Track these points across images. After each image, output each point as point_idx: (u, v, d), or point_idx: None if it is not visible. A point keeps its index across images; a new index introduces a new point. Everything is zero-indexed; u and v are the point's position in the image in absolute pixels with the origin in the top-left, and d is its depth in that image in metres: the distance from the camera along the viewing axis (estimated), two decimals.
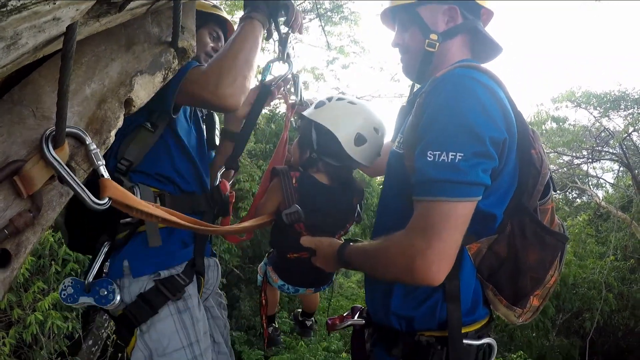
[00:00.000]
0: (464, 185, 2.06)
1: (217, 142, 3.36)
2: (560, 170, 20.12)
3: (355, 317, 2.85)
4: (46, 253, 7.29)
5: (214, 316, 3.24)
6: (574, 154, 19.45)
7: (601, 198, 19.54)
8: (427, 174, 2.09)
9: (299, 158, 3.13)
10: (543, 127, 19.75)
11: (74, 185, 1.69)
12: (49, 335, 7.35)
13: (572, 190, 21.38)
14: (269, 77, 3.39)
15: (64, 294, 2.61)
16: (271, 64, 3.44)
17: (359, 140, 2.91)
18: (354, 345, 2.82)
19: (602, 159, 19.40)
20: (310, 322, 3.92)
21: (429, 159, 2.07)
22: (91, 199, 1.78)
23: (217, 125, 3.42)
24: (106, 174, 1.86)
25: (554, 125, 19.49)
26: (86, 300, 2.57)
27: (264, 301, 3.55)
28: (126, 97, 1.88)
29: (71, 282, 2.62)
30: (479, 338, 2.38)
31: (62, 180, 1.69)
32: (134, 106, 1.91)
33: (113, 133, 1.85)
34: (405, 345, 2.39)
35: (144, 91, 1.96)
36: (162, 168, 2.79)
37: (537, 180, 2.28)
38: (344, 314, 2.93)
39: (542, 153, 2.30)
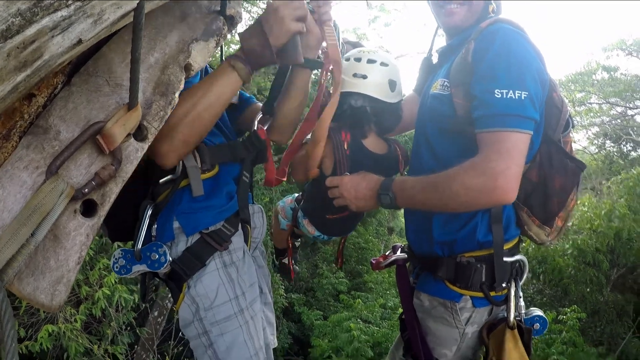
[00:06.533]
0: (528, 120, 2.41)
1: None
2: (613, 122, 19.58)
3: (398, 253, 3.15)
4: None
5: (260, 265, 3.20)
6: (627, 105, 18.84)
7: None
8: (498, 109, 2.40)
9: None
10: (593, 77, 19.26)
11: None
12: (117, 308, 7.64)
13: (626, 143, 20.47)
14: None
15: (117, 267, 2.57)
16: None
17: (392, 85, 3.13)
18: (399, 279, 3.11)
19: None
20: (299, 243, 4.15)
21: (497, 96, 2.39)
22: None
23: None
24: None
25: (605, 75, 19.03)
26: (139, 268, 2.54)
27: (290, 245, 3.88)
28: (185, 62, 2.12)
29: (121, 254, 2.57)
30: (512, 255, 2.74)
31: (138, 137, 1.96)
32: (193, 70, 2.16)
33: (177, 94, 2.10)
34: (448, 268, 2.72)
35: (200, 56, 2.19)
36: None
37: (560, 117, 2.66)
38: (386, 253, 3.23)
39: (562, 96, 2.71)
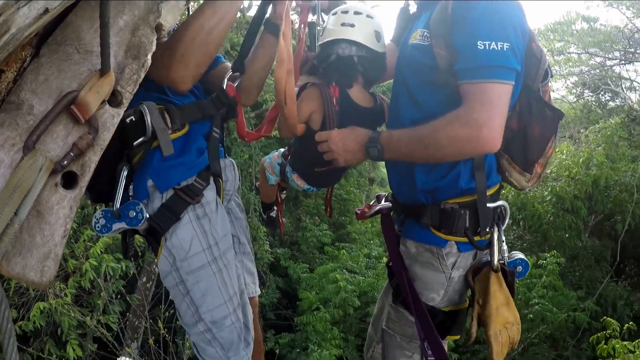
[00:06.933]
0: (510, 70, 2.47)
1: None
2: (592, 72, 19.53)
3: (382, 202, 3.24)
4: (88, 203, 7.50)
5: (236, 217, 3.36)
6: (606, 55, 18.81)
7: (634, 101, 19.14)
8: (481, 60, 2.44)
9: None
10: (573, 27, 19.18)
11: None
12: (105, 278, 7.64)
13: (604, 93, 20.71)
14: None
15: (98, 226, 2.68)
16: None
17: (378, 36, 3.15)
18: (385, 227, 3.21)
19: (636, 61, 18.62)
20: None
21: (480, 48, 2.42)
22: None
23: None
24: None
25: (585, 25, 18.94)
26: (119, 225, 2.65)
27: (280, 199, 3.97)
28: (156, 23, 2.06)
29: (102, 214, 2.69)
30: (494, 201, 2.83)
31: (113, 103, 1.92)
32: (164, 30, 2.10)
33: (149, 56, 2.06)
34: (433, 214, 2.79)
35: (170, 15, 2.13)
36: (152, 98, 2.75)
37: (539, 67, 2.70)
38: (371, 203, 3.32)
39: (540, 46, 2.75)
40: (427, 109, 2.71)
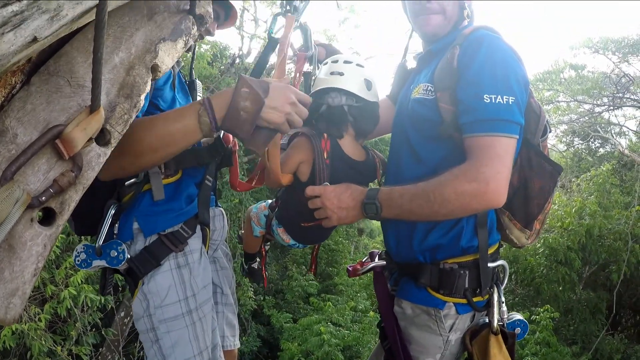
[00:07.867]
0: (515, 125, 2.49)
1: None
2: (581, 119, 19.84)
3: (376, 260, 3.13)
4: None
5: (222, 267, 3.34)
6: (594, 102, 19.07)
7: (624, 146, 19.35)
8: (487, 114, 2.46)
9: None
10: (561, 75, 19.51)
11: None
12: (82, 308, 7.52)
13: (594, 140, 21.15)
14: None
15: (78, 260, 2.69)
16: (277, 17, 3.43)
17: (368, 85, 3.13)
18: (378, 287, 3.11)
19: (624, 106, 19.02)
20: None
21: (486, 101, 2.45)
22: None
23: (199, 89, 3.32)
24: None
25: (572, 73, 19.31)
26: (99, 263, 2.66)
27: (264, 252, 3.88)
28: (152, 63, 2.01)
29: (83, 248, 2.69)
30: (494, 261, 2.80)
31: (101, 141, 1.86)
32: (160, 71, 2.05)
33: (143, 97, 2.00)
34: (432, 274, 2.74)
35: (168, 57, 2.09)
36: None
37: (538, 122, 2.74)
38: (363, 260, 3.21)
39: (538, 102, 2.80)
40: (430, 164, 2.70)
